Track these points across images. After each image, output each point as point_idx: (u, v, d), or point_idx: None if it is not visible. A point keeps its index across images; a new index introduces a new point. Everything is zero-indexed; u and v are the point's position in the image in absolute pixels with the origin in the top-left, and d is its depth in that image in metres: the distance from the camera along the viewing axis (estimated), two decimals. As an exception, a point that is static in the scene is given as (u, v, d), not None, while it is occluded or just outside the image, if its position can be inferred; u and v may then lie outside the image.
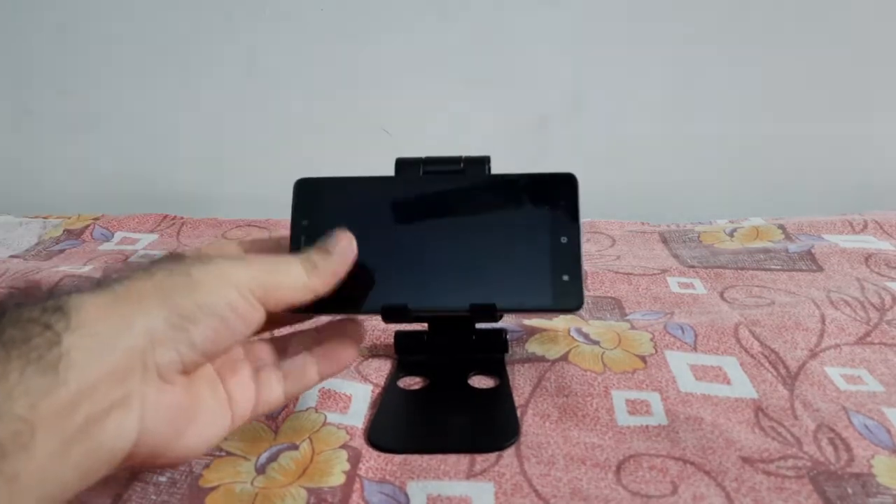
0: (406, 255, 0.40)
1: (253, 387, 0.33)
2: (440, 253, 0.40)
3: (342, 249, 0.34)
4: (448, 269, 0.39)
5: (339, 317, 0.38)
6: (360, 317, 0.50)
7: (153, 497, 0.33)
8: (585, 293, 0.39)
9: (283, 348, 0.36)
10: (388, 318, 0.39)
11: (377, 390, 0.42)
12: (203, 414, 0.30)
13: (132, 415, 0.26)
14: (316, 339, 0.36)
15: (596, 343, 0.46)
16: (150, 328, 0.26)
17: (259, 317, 0.30)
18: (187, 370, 0.28)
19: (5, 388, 0.22)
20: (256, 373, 0.34)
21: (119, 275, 0.28)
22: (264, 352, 0.35)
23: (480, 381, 0.43)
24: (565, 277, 0.38)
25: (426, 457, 0.35)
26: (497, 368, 0.43)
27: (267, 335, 0.36)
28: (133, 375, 0.26)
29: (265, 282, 0.30)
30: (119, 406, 0.25)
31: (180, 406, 0.28)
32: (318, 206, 0.40)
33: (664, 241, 0.69)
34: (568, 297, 0.38)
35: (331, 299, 0.38)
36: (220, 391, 0.31)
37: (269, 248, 0.38)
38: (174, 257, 0.30)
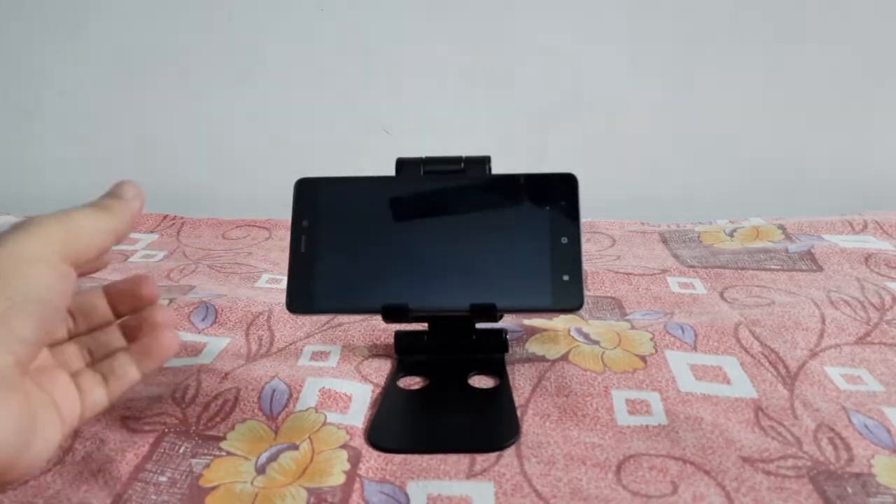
0: (406, 255, 0.40)
1: (76, 392, 0.31)
2: (440, 253, 0.40)
3: (129, 191, 0.33)
4: (448, 268, 0.39)
5: (142, 300, 0.35)
6: (360, 315, 0.51)
7: (153, 497, 0.33)
8: (585, 293, 0.39)
9: (94, 349, 0.34)
10: (388, 318, 0.39)
11: (377, 390, 0.42)
12: (41, 420, 0.28)
13: None
14: (128, 334, 0.35)
15: (596, 343, 0.46)
16: None
17: (72, 277, 0.28)
18: (26, 369, 0.27)
19: None
20: (74, 378, 0.32)
21: None
22: (74, 356, 0.33)
23: (480, 381, 0.43)
24: (566, 277, 0.38)
25: (426, 457, 0.35)
26: (497, 368, 0.43)
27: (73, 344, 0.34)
28: None
29: (67, 239, 0.28)
30: None
31: (24, 415, 0.26)
32: (319, 205, 0.40)
33: (664, 241, 0.69)
34: (568, 298, 0.38)
35: (330, 297, 0.38)
36: (45, 398, 0.29)
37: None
38: None
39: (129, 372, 0.33)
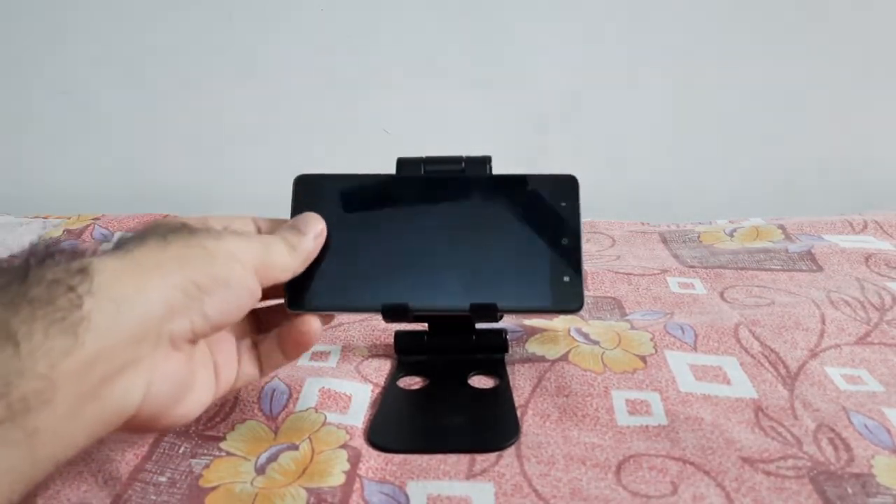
0: (406, 254, 0.40)
1: (236, 360, 0.35)
2: (440, 252, 0.40)
3: (314, 229, 0.36)
4: (448, 268, 0.39)
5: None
6: (360, 315, 0.50)
7: (153, 497, 0.33)
8: (586, 294, 0.39)
9: (256, 323, 0.38)
10: (388, 318, 0.39)
11: (377, 390, 0.42)
12: (197, 383, 0.31)
13: (141, 378, 0.27)
14: (283, 315, 0.38)
15: (596, 343, 0.46)
16: (168, 297, 0.27)
17: (258, 293, 0.32)
18: (195, 339, 0.30)
19: (28, 347, 0.23)
20: (237, 347, 0.35)
21: (136, 241, 0.29)
22: (241, 325, 0.36)
23: (480, 381, 0.43)
24: (566, 278, 0.38)
25: (426, 456, 0.35)
26: (497, 368, 0.43)
27: None
28: (146, 341, 0.27)
29: (263, 260, 0.32)
30: (130, 369, 0.26)
31: (183, 374, 0.30)
32: (318, 202, 0.40)
33: (664, 241, 0.69)
34: (568, 299, 0.38)
35: (330, 295, 0.38)
36: (209, 362, 0.33)
37: (271, 228, 0.38)
38: (187, 229, 0.31)
39: (276, 356, 0.36)
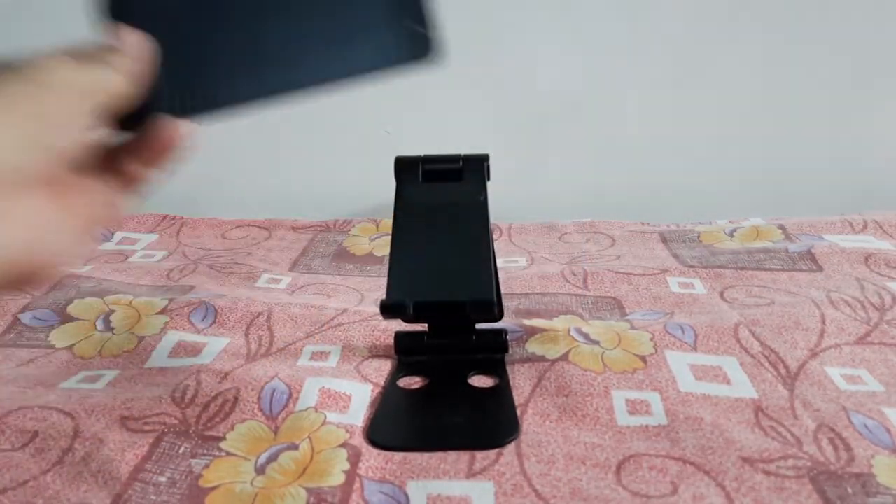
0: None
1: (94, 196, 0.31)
2: (262, 30, 0.33)
3: (132, 45, 0.31)
4: (272, 48, 0.33)
5: None
6: (361, 316, 0.50)
7: (153, 497, 0.33)
8: (437, 38, 0.35)
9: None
10: (386, 314, 0.40)
11: (377, 390, 0.42)
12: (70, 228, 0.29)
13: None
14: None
15: (596, 343, 0.46)
16: (15, 138, 0.25)
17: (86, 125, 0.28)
18: (54, 181, 0.27)
19: None
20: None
21: None
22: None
23: (480, 381, 0.43)
24: (408, 22, 0.34)
25: (426, 456, 0.35)
26: (497, 368, 0.43)
27: None
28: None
29: (92, 87, 0.29)
30: None
31: (54, 219, 0.27)
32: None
33: (664, 241, 0.69)
34: (414, 45, 0.35)
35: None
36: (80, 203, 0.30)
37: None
38: (12, 66, 0.28)
39: (138, 170, 0.32)
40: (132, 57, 0.31)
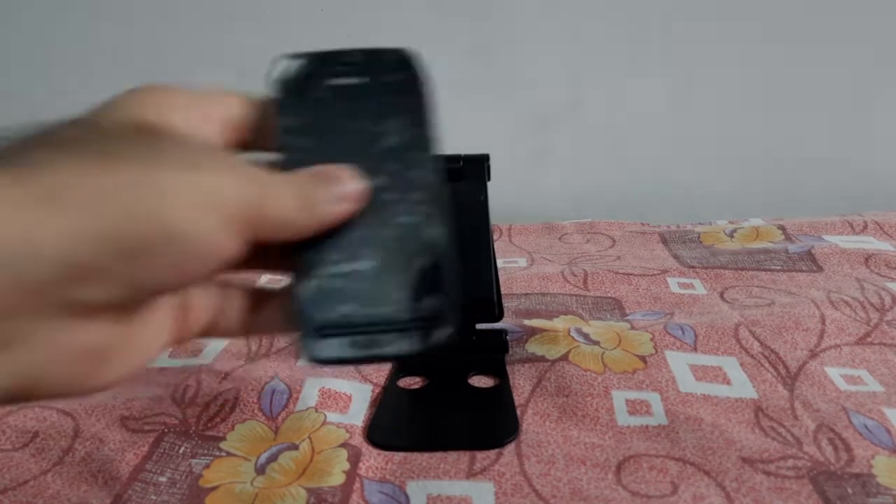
0: None
1: (215, 298, 0.25)
2: None
3: (345, 191, 0.23)
4: None
5: None
6: None
7: (153, 497, 0.33)
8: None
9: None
10: None
11: (377, 390, 0.42)
12: (133, 342, 0.22)
13: (15, 359, 0.18)
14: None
15: (596, 343, 0.46)
16: (69, 254, 0.17)
17: (234, 251, 0.21)
18: (122, 309, 0.20)
19: None
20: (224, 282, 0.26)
21: (46, 148, 0.19)
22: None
23: (480, 381, 0.43)
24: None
25: (426, 456, 0.35)
26: (497, 368, 0.43)
27: None
28: (27, 312, 0.18)
29: (256, 207, 0.21)
30: None
31: (95, 346, 0.20)
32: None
33: (664, 241, 0.69)
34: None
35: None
36: (160, 311, 0.23)
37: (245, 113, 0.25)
38: (140, 135, 0.20)
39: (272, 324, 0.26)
40: (334, 194, 0.23)
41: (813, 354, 0.44)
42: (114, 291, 0.19)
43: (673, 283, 0.57)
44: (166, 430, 0.38)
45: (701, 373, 0.42)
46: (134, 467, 0.35)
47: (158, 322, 0.23)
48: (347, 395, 0.41)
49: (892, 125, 0.90)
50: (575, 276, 0.59)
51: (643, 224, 0.75)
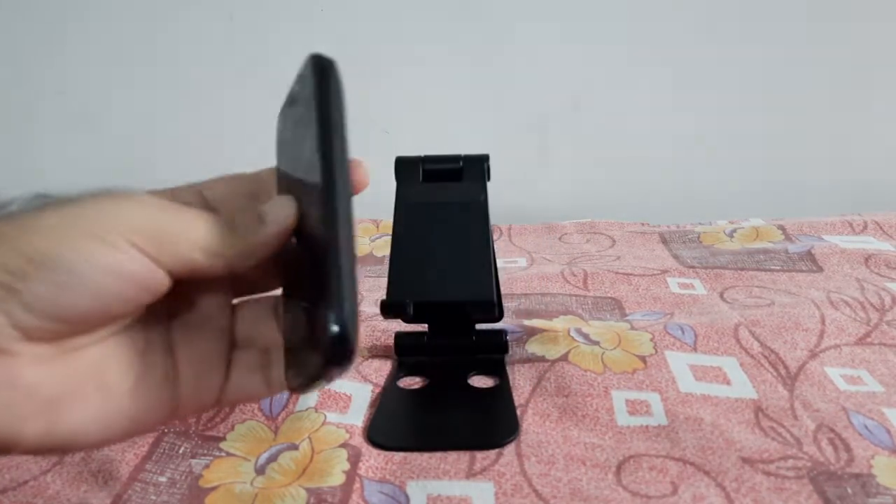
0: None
1: (222, 366, 0.26)
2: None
3: (276, 213, 0.24)
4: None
5: None
6: (361, 316, 0.50)
7: (153, 497, 0.33)
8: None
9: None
10: (386, 314, 0.40)
11: (377, 390, 0.42)
12: (88, 392, 0.23)
13: None
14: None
15: (596, 343, 0.46)
16: None
17: (154, 276, 0.23)
18: (38, 338, 0.22)
19: None
20: (234, 349, 0.27)
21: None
22: (263, 329, 0.27)
23: (480, 382, 0.43)
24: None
25: (426, 456, 0.35)
26: (497, 369, 0.43)
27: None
28: None
29: (157, 230, 0.23)
30: None
31: (45, 385, 0.22)
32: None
33: (664, 241, 0.69)
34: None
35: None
36: (155, 362, 0.25)
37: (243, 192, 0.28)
38: (44, 199, 0.24)
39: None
40: (268, 227, 0.24)
41: (813, 354, 0.44)
42: (9, 315, 0.21)
43: (673, 284, 0.57)
44: (166, 430, 0.38)
45: (701, 373, 0.42)
46: (134, 467, 0.35)
47: (147, 382, 0.25)
48: (347, 396, 0.41)
49: (891, 125, 0.90)
50: (575, 276, 0.59)
51: (643, 224, 0.75)
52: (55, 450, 0.25)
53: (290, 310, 0.25)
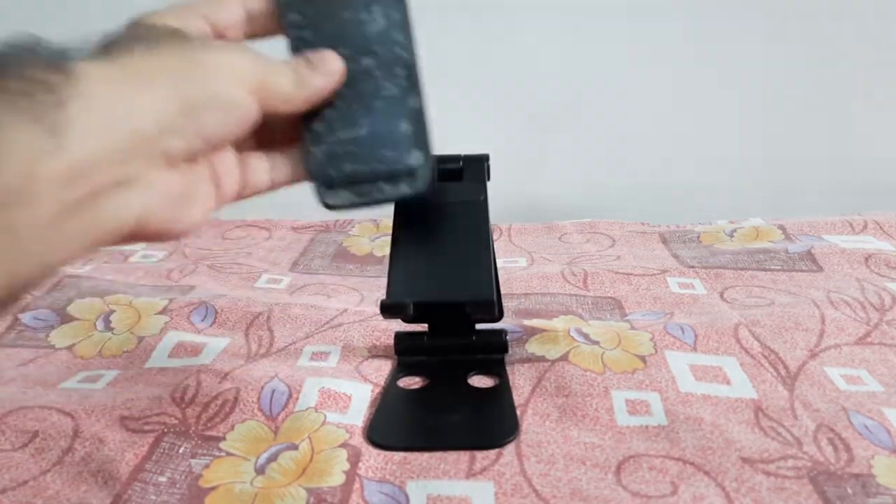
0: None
1: (237, 171, 0.32)
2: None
3: (328, 69, 0.31)
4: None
5: None
6: (361, 316, 0.50)
7: (153, 497, 0.33)
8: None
9: (267, 138, 0.34)
10: (386, 314, 0.40)
11: (377, 390, 0.42)
12: (198, 196, 0.30)
13: (135, 198, 0.26)
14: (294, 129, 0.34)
15: (596, 343, 0.46)
16: (160, 114, 0.26)
17: (254, 115, 0.29)
18: (192, 158, 0.28)
19: (7, 137, 0.22)
20: (241, 157, 0.33)
21: (122, 45, 0.27)
22: (246, 139, 0.33)
23: (480, 382, 0.43)
24: None
25: (426, 456, 0.35)
26: (497, 368, 0.43)
27: None
28: (138, 158, 0.26)
29: (263, 82, 0.29)
30: (123, 185, 0.25)
31: (181, 191, 0.28)
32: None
33: (664, 241, 0.69)
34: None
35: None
36: (207, 172, 0.31)
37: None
38: (177, 35, 0.29)
39: (285, 170, 0.34)
40: (320, 73, 0.31)
41: (813, 354, 0.44)
42: (186, 142, 0.27)
43: (673, 283, 0.57)
44: (166, 430, 0.38)
45: (701, 373, 0.42)
46: (134, 467, 0.35)
47: (207, 188, 0.31)
48: (347, 396, 0.41)
49: (891, 125, 0.90)
50: (575, 275, 0.59)
51: (643, 224, 0.75)
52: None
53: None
